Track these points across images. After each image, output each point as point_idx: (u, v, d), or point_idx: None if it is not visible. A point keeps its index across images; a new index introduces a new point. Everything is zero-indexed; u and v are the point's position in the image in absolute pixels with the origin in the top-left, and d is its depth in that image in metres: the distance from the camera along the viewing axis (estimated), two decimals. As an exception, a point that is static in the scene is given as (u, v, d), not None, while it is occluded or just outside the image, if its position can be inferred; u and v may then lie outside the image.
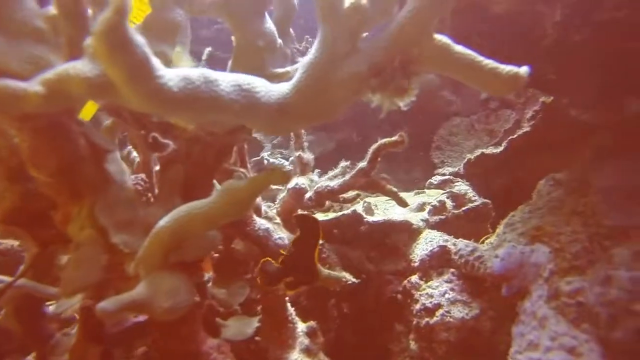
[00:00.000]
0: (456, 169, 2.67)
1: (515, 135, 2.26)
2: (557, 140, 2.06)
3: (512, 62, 0.61)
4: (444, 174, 2.62)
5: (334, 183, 1.34)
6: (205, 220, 0.67)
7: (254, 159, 3.44)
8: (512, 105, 3.01)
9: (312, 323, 1.16)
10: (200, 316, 1.02)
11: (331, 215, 1.65)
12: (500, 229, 1.38)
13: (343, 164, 2.02)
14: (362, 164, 1.25)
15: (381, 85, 0.62)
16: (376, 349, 1.71)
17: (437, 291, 1.43)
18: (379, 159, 1.23)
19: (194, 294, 0.70)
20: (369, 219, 1.68)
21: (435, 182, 2.49)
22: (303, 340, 1.14)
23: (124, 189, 0.77)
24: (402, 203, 1.25)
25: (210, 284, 1.62)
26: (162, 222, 0.68)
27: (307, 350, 1.12)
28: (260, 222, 1.15)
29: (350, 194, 1.39)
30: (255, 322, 1.23)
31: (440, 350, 1.34)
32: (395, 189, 1.24)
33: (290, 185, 1.44)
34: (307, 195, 1.38)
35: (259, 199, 1.37)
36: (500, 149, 2.32)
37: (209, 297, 1.50)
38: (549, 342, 0.94)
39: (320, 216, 1.70)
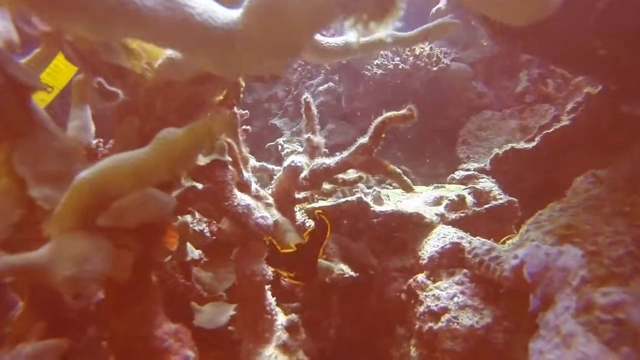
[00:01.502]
0: (482, 165, 2.45)
1: (552, 130, 2.02)
2: (601, 136, 1.82)
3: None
4: (467, 170, 2.41)
5: (331, 161, 1.18)
6: (132, 173, 0.54)
7: (269, 144, 3.33)
8: (552, 100, 2.74)
9: (293, 317, 1.02)
10: (159, 297, 0.89)
11: (333, 201, 1.50)
12: (523, 228, 1.18)
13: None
14: (363, 139, 1.09)
15: (356, 3, 0.46)
16: (376, 351, 1.55)
17: (445, 293, 1.25)
18: (384, 135, 1.06)
19: (108, 266, 0.57)
20: (376, 208, 1.52)
21: (458, 177, 2.28)
22: (281, 335, 0.99)
23: (58, 139, 0.64)
24: (407, 187, 1.08)
25: (197, 267, 1.51)
26: (82, 174, 0.55)
27: (284, 347, 0.98)
28: (242, 198, 1.01)
29: (352, 175, 1.23)
30: (230, 311, 1.10)
31: (444, 360, 1.16)
32: (398, 171, 1.07)
33: (286, 163, 1.30)
34: (302, 175, 1.23)
35: (249, 176, 1.24)
36: (533, 144, 2.08)
37: (192, 279, 1.39)
38: (574, 364, 0.75)
39: (321, 203, 1.55)
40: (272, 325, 1.01)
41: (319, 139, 1.55)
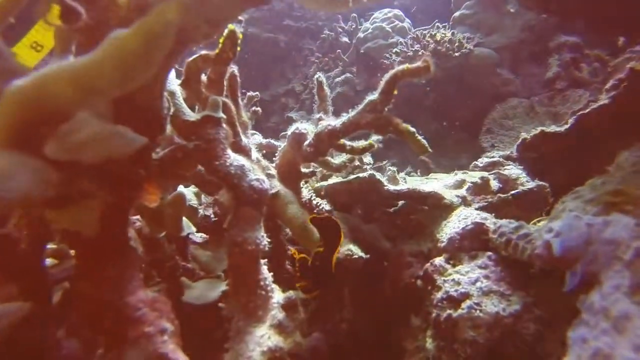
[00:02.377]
0: (508, 153, 2.27)
1: (588, 110, 1.83)
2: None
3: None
4: (492, 157, 2.24)
5: (336, 122, 1.06)
6: (71, 81, 0.44)
7: (283, 133, 3.23)
8: (586, 85, 2.54)
9: (291, 294, 0.90)
10: (137, 262, 0.79)
11: (342, 178, 1.37)
12: (558, 203, 1.03)
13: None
14: (372, 96, 0.96)
15: None
16: (389, 345, 1.41)
17: (466, 277, 1.11)
18: (396, 91, 0.93)
19: (36, 188, 0.47)
20: (390, 187, 1.38)
21: (481, 165, 2.11)
22: (276, 314, 0.87)
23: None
24: (421, 147, 0.94)
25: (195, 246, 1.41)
26: (14, 82, 0.45)
27: (279, 327, 0.86)
28: (235, 158, 0.90)
29: (361, 143, 1.10)
30: (222, 286, 0.98)
31: (463, 353, 1.01)
32: (412, 129, 0.94)
33: (290, 130, 1.19)
34: (307, 142, 1.12)
35: (248, 142, 1.13)
36: (566, 126, 1.90)
37: (187, 256, 1.29)
38: (632, 353, 0.60)
39: (331, 181, 1.43)
40: (266, 303, 0.89)
41: (330, 120, 1.43)
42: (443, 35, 2.83)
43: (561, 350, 0.96)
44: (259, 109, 1.96)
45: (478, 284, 1.07)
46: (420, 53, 2.87)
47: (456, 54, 2.75)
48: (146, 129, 0.71)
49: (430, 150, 0.95)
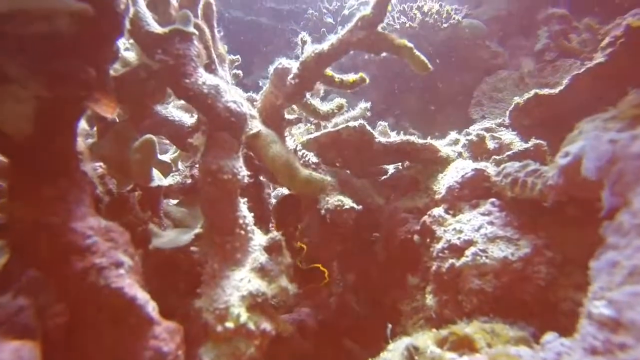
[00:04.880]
0: (500, 120, 2.20)
1: (583, 70, 1.76)
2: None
3: None
4: (483, 125, 2.16)
5: (324, 44, 0.94)
6: None
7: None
8: (576, 55, 2.49)
9: (275, 234, 0.78)
10: (87, 188, 0.65)
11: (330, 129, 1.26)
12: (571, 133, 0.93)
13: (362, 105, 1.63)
14: (365, 11, 0.84)
15: None
16: (383, 310, 1.30)
17: (468, 226, 1.01)
18: (390, 7, 0.82)
19: None
20: (382, 140, 1.27)
21: (473, 132, 2.02)
22: (258, 257, 0.75)
23: None
24: (421, 63, 0.83)
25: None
26: None
27: (261, 271, 0.74)
28: (208, 77, 0.78)
29: (352, 76, 0.98)
30: (196, 230, 0.86)
31: (470, 304, 0.91)
32: (410, 44, 0.82)
33: (272, 67, 1.06)
34: (290, 75, 0.99)
35: (225, 74, 1.01)
36: (561, 88, 1.82)
37: (160, 212, 1.16)
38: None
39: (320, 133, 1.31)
40: (245, 244, 0.77)
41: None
42: (430, 6, 2.75)
43: (575, 294, 0.87)
44: (239, 72, 1.83)
45: (482, 231, 0.97)
46: (407, 26, 2.78)
47: (444, 25, 2.67)
48: (97, 21, 0.58)
49: (431, 68, 0.84)
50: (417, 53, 0.81)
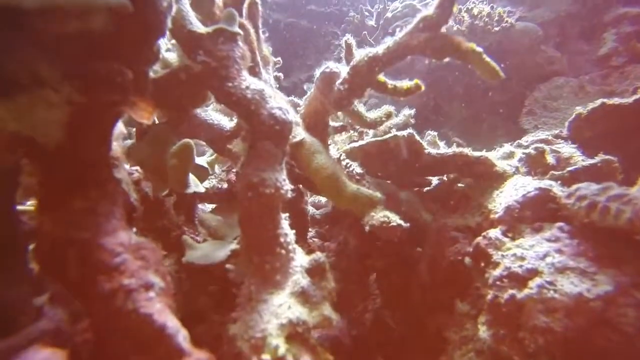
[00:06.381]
0: (557, 131, 2.03)
1: (659, 78, 1.58)
2: None
3: None
4: (538, 135, 2.00)
5: (380, 47, 0.85)
6: None
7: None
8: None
9: (318, 255, 0.70)
10: (119, 200, 0.60)
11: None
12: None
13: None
14: (427, 11, 0.75)
15: None
16: (426, 337, 1.19)
17: (531, 252, 0.89)
18: (456, 6, 0.73)
19: None
20: (432, 150, 1.18)
21: (526, 143, 1.86)
22: (299, 279, 0.68)
23: None
24: (491, 70, 0.72)
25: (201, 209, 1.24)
26: None
27: (302, 295, 0.67)
28: (252, 81, 0.71)
29: (406, 83, 0.89)
30: (232, 246, 0.80)
31: (534, 343, 0.79)
32: (479, 49, 0.72)
33: (319, 71, 0.99)
34: (339, 81, 0.92)
35: (269, 78, 0.94)
36: (636, 96, 1.64)
37: (195, 219, 1.11)
38: None
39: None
40: (286, 265, 0.70)
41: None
42: (481, 9, 2.60)
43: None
44: (280, 74, 1.78)
45: (549, 259, 0.86)
46: (454, 29, 2.65)
47: (495, 29, 2.51)
48: (137, 19, 0.53)
49: (502, 75, 0.74)
50: (488, 59, 0.71)
